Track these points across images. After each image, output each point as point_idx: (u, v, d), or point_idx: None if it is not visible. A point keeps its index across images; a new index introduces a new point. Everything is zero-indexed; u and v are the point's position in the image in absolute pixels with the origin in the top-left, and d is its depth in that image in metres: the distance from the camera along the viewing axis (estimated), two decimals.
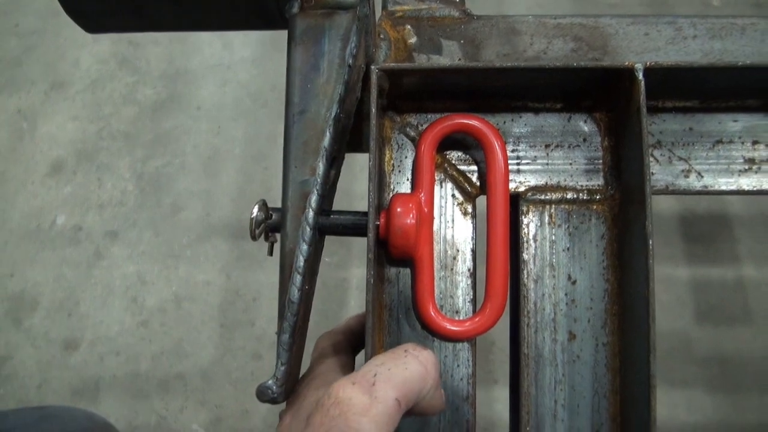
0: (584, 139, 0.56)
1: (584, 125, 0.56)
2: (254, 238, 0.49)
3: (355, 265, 1.54)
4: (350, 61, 0.50)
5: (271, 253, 0.55)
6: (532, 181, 0.55)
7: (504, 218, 0.51)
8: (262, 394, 0.48)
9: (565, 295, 0.54)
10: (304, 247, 0.49)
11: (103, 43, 1.89)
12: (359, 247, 1.52)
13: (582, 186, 0.55)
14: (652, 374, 0.46)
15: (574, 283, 0.54)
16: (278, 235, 0.52)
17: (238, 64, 1.83)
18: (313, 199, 0.49)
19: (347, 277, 1.54)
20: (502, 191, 0.52)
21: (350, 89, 0.52)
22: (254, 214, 0.49)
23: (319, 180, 0.49)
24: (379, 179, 0.54)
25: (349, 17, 0.51)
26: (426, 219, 0.51)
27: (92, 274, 1.61)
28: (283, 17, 0.54)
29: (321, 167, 0.50)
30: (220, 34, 1.86)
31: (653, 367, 0.46)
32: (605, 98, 0.55)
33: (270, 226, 0.52)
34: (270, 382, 0.48)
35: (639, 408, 0.48)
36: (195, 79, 1.82)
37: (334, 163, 0.52)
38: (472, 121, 0.52)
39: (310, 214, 0.49)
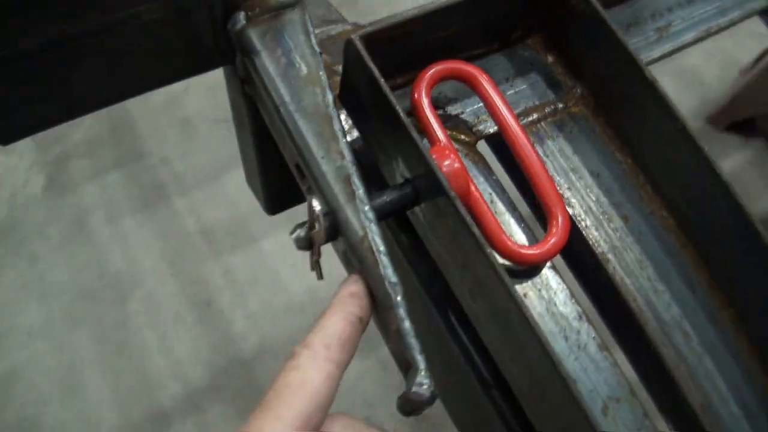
0: (531, 63, 0.60)
1: (524, 52, 0.60)
2: (325, 240, 0.43)
3: None
4: (318, 49, 0.49)
5: (320, 274, 0.48)
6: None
7: (527, 139, 0.52)
8: (420, 397, 0.40)
9: (598, 188, 0.55)
10: (374, 227, 0.44)
11: None
12: None
13: (552, 98, 0.58)
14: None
15: (597, 176, 0.56)
16: (323, 250, 0.46)
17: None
18: (355, 177, 0.45)
19: None
20: (512, 116, 0.52)
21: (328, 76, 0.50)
22: (318, 207, 0.43)
23: (351, 159, 0.46)
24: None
25: (298, 11, 0.50)
26: (461, 160, 0.50)
27: None
28: (218, 50, 0.51)
29: (345, 147, 0.46)
30: None
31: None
32: (530, 25, 0.60)
33: (310, 238, 0.46)
34: (420, 378, 0.40)
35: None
36: None
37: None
38: (460, 65, 0.53)
39: (360, 191, 0.45)
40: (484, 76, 0.53)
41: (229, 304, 1.49)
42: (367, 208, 0.44)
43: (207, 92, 1.87)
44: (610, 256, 0.53)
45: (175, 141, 1.82)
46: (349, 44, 0.48)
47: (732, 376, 0.51)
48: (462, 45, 0.58)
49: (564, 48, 0.59)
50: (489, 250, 0.43)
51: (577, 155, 0.56)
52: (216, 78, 0.59)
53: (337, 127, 0.46)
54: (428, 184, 0.45)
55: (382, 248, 0.43)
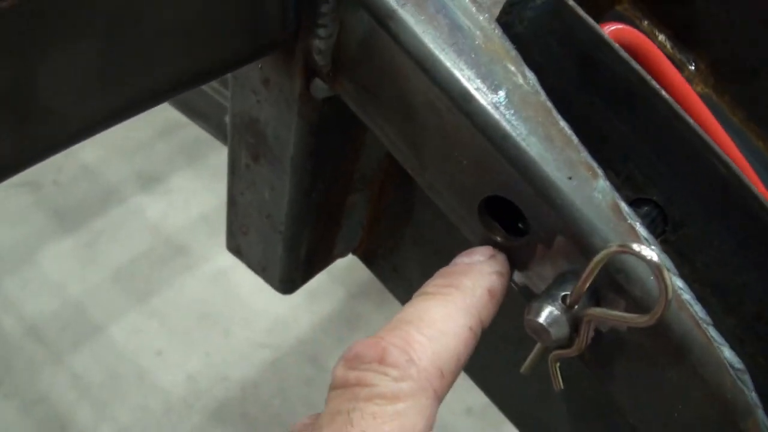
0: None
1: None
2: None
3: None
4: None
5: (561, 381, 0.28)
6: None
7: (711, 116, 0.39)
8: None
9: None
10: (680, 282, 0.26)
11: None
12: None
13: None
14: None
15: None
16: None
17: None
18: (624, 204, 0.27)
19: None
20: (688, 89, 0.39)
21: None
22: (654, 257, 0.23)
23: (605, 175, 0.27)
24: None
25: None
26: None
27: None
28: (282, 22, 0.29)
29: (589, 156, 0.27)
30: None
31: None
32: None
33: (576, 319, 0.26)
34: None
35: None
36: None
37: None
38: (629, 29, 0.38)
39: (639, 226, 0.26)
40: (658, 51, 0.39)
41: (90, 422, 1.11)
42: (663, 254, 0.26)
43: None
44: None
45: None
46: None
47: None
48: None
49: (665, 10, 0.47)
50: None
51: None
52: None
53: (564, 124, 0.27)
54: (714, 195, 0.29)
55: (704, 315, 0.25)
